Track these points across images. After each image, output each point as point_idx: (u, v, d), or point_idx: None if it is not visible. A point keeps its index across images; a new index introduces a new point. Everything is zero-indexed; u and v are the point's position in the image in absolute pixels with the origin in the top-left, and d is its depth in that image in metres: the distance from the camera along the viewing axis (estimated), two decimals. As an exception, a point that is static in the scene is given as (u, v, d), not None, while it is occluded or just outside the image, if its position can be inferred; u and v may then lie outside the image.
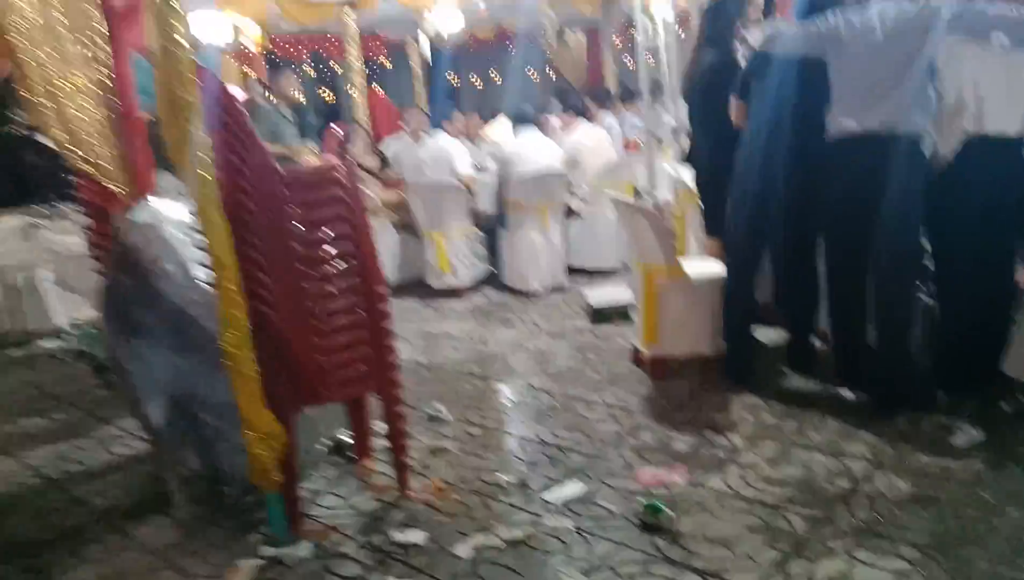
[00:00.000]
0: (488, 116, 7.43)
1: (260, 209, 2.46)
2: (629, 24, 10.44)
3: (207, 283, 2.40)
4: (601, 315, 4.57)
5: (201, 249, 2.34)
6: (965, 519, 2.35)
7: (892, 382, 3.13)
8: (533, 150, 5.53)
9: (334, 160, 2.82)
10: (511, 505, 2.71)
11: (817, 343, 3.66)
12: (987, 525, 2.31)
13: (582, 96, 7.16)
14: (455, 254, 5.62)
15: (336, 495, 2.91)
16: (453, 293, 5.64)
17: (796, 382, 3.50)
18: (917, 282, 3.24)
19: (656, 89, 5.32)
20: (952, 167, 2.97)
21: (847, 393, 3.27)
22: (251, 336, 2.35)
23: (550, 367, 4.06)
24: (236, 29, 7.20)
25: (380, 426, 2.94)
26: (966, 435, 2.84)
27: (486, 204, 5.77)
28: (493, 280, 5.84)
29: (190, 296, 2.63)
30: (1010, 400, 3.04)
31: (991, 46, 2.88)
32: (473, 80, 14.61)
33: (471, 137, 6.75)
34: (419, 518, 2.68)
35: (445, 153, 5.69)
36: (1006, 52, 2.88)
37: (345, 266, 2.60)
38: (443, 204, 5.56)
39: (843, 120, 3.08)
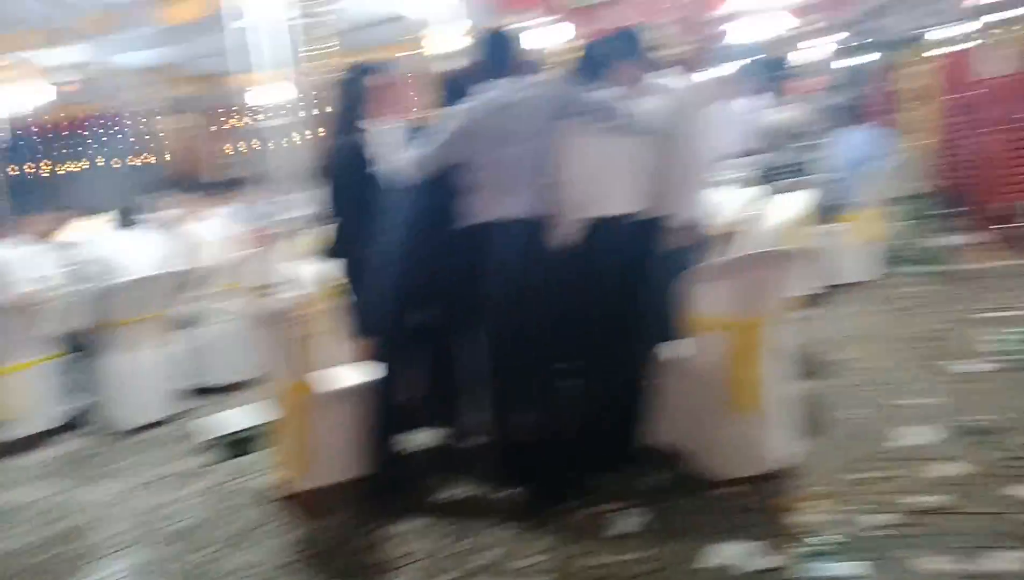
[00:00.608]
0: (78, 211, 6.21)
1: None
2: (239, 108, 9.86)
3: None
4: (232, 446, 3.82)
5: None
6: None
7: (550, 473, 3.03)
8: (135, 250, 4.70)
9: None
10: None
11: (475, 439, 3.45)
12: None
13: (193, 184, 6.40)
14: (22, 394, 4.38)
15: None
16: (24, 445, 4.34)
17: (459, 487, 3.19)
18: (564, 366, 3.23)
19: (277, 176, 4.89)
20: (581, 249, 3.05)
21: (512, 490, 3.06)
22: None
23: (169, 528, 3.19)
24: None
25: None
26: (635, 519, 2.79)
27: (71, 322, 4.66)
28: (86, 418, 4.64)
29: None
30: (660, 471, 3.08)
31: (602, 131, 3.04)
32: (58, 168, 12.59)
33: (48, 239, 5.48)
34: None
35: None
36: (615, 135, 3.05)
37: None
38: (-1, 331, 4.32)
39: (482, 207, 3.01)
